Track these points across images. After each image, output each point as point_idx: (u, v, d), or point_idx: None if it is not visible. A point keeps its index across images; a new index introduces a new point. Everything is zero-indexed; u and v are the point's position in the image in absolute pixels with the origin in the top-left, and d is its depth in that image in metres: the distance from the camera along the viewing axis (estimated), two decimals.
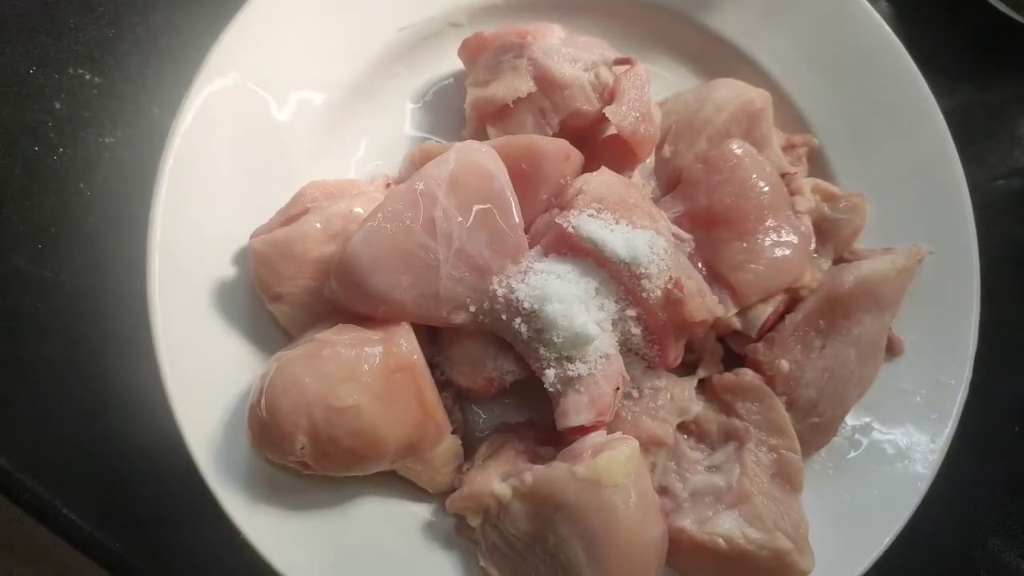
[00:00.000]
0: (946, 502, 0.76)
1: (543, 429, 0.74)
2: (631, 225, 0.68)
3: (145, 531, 0.77)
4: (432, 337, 0.73)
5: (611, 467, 0.64)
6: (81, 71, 0.84)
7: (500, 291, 0.68)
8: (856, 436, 0.77)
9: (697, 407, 0.74)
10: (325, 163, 0.79)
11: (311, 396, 0.63)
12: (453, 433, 0.72)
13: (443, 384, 0.73)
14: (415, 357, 0.67)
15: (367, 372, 0.65)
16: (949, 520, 0.82)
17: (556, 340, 0.66)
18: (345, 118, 0.81)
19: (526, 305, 0.67)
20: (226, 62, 0.75)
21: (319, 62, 0.79)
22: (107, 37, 0.86)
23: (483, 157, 0.69)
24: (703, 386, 0.76)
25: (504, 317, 0.68)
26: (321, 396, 0.63)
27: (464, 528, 0.71)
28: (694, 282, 0.70)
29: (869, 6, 0.83)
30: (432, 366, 0.71)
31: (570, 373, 0.67)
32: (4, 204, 0.81)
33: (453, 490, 0.71)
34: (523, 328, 0.67)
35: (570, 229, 0.68)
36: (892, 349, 0.78)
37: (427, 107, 0.84)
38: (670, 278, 0.68)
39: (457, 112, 0.81)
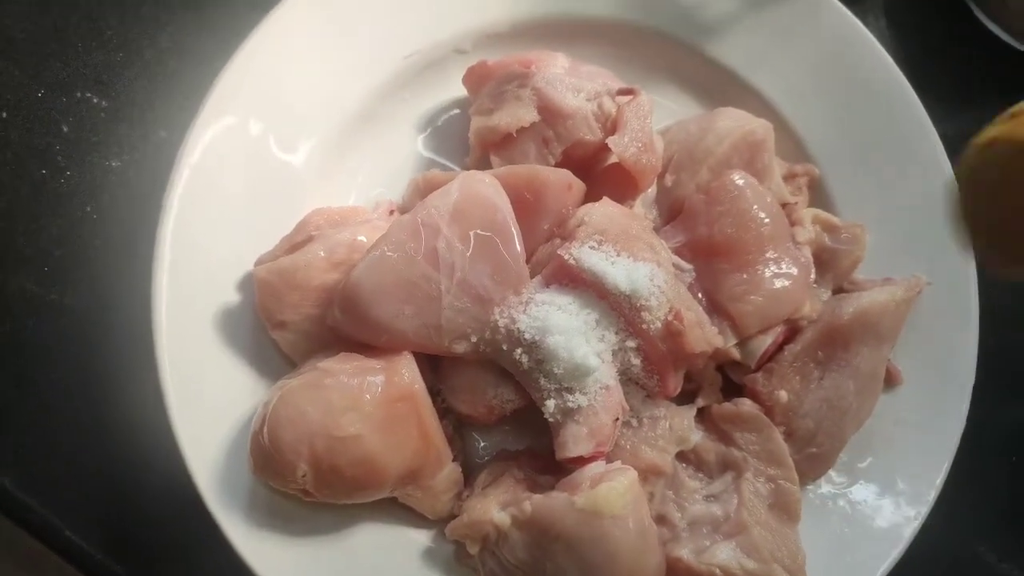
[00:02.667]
0: (942, 532, 0.77)
1: (543, 458, 0.74)
2: (632, 257, 0.69)
3: (147, 554, 0.78)
4: (433, 365, 0.74)
5: (610, 498, 0.64)
6: (89, 95, 0.85)
7: (501, 322, 0.68)
8: (854, 467, 0.78)
9: (696, 436, 0.75)
10: (329, 189, 0.80)
11: (313, 425, 0.64)
12: (453, 460, 0.72)
13: (444, 411, 0.73)
14: (416, 386, 0.68)
15: (369, 402, 0.65)
16: (946, 550, 0.83)
17: (556, 371, 0.67)
18: (350, 144, 0.82)
19: (527, 336, 0.67)
20: (234, 88, 0.76)
21: (325, 88, 0.80)
22: (115, 61, 0.86)
23: (487, 188, 0.69)
24: (702, 415, 0.76)
25: (505, 347, 0.69)
26: (323, 426, 0.64)
27: (464, 555, 0.71)
28: (694, 313, 0.70)
29: (871, 36, 0.84)
30: (433, 393, 0.72)
31: (570, 404, 0.67)
32: (11, 226, 0.82)
33: (453, 516, 0.71)
34: (524, 359, 0.68)
35: (571, 261, 0.68)
36: (891, 380, 0.78)
37: (432, 134, 0.85)
38: (670, 309, 0.68)
39: (461, 139, 0.82)
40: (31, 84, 0.85)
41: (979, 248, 0.47)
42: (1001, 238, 0.47)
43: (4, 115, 0.84)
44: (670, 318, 0.68)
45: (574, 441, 0.67)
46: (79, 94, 0.85)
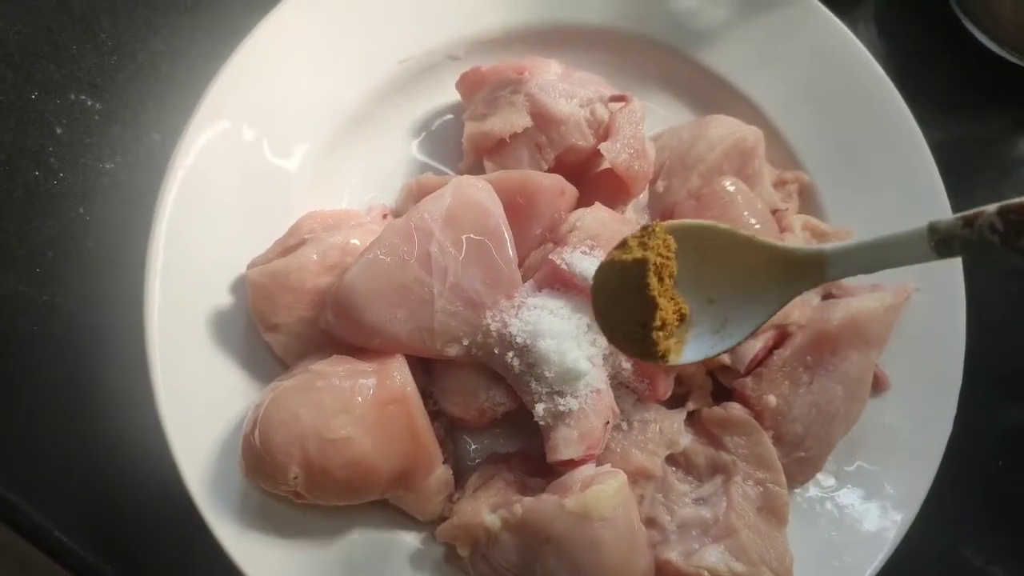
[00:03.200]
0: (930, 535, 0.77)
1: (533, 460, 0.75)
2: None
3: (138, 556, 0.78)
4: (425, 367, 0.74)
5: (600, 501, 0.65)
6: (83, 97, 0.85)
7: (493, 325, 0.69)
8: (841, 470, 0.78)
9: (685, 440, 0.75)
10: (323, 192, 0.80)
11: (305, 428, 0.64)
12: (444, 462, 0.72)
13: (435, 414, 0.74)
14: (408, 389, 0.68)
15: (360, 404, 0.66)
16: (934, 552, 0.83)
17: (548, 375, 0.67)
18: (343, 148, 0.82)
19: (519, 340, 0.68)
20: (227, 91, 0.76)
21: (319, 92, 0.80)
22: (109, 63, 0.86)
23: (479, 193, 0.70)
24: (692, 419, 0.77)
25: (497, 351, 0.69)
26: (315, 428, 0.64)
27: (454, 557, 0.71)
28: None
29: (861, 45, 0.84)
30: (425, 395, 0.72)
31: (561, 407, 0.68)
32: (3, 227, 0.82)
33: (444, 518, 0.72)
34: (515, 362, 0.68)
35: (563, 266, 0.69)
36: (879, 385, 0.79)
37: (425, 139, 0.85)
38: None
39: (455, 144, 0.82)
40: (24, 86, 0.85)
41: (607, 335, 0.62)
42: (620, 331, 0.60)
43: None
44: None
45: (564, 444, 0.68)
46: (72, 96, 0.85)
